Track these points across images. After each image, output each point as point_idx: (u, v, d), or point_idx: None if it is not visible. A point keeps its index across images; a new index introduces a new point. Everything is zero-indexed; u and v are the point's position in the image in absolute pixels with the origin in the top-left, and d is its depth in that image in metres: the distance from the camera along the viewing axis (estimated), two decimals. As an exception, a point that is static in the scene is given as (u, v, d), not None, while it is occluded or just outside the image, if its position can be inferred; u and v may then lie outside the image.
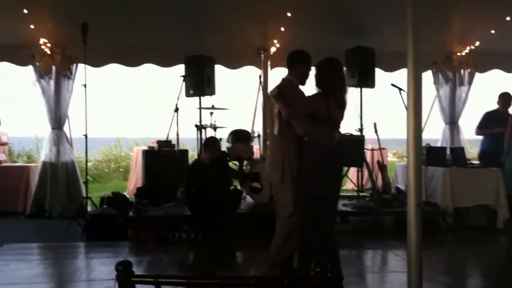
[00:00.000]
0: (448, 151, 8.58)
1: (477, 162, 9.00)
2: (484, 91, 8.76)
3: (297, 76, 4.82)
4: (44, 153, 9.02)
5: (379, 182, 8.86)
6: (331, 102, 4.47)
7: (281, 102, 4.52)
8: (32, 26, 7.97)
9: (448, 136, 10.10)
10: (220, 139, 8.45)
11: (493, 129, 8.59)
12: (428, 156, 8.03)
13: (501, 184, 7.78)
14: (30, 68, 8.80)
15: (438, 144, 9.96)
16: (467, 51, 9.70)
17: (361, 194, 8.89)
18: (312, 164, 4.48)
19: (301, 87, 4.82)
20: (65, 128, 9.07)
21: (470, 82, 10.02)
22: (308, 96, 4.67)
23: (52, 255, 6.52)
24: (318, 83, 4.61)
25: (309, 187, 4.45)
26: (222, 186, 7.05)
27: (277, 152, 4.77)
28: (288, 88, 4.67)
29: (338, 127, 4.63)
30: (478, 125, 8.87)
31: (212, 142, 7.23)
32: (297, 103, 4.55)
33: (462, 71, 9.97)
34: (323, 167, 4.45)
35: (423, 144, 7.32)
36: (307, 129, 4.52)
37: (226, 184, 7.22)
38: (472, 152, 15.41)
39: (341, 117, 4.63)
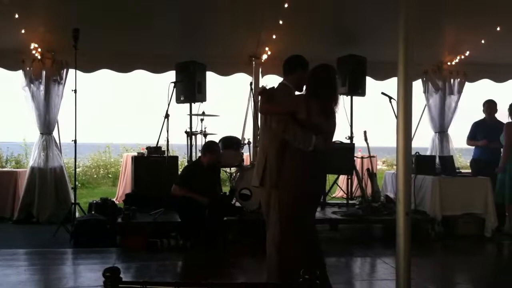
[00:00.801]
0: (437, 160, 8.62)
1: (466, 171, 9.03)
2: (474, 100, 8.83)
3: (294, 82, 4.77)
4: (33, 158, 8.95)
5: (369, 190, 8.90)
6: (313, 107, 4.40)
7: (262, 98, 4.58)
8: (23, 31, 7.94)
9: (438, 144, 10.15)
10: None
11: (479, 141, 8.66)
12: (417, 164, 8.07)
13: (489, 192, 7.82)
14: (20, 73, 8.74)
15: (428, 153, 10.01)
16: (457, 60, 9.76)
17: (350, 201, 8.90)
18: (289, 169, 4.44)
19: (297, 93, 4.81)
20: (54, 133, 9.02)
21: (459, 92, 10.09)
22: (290, 97, 4.67)
23: (39, 261, 6.45)
24: (306, 86, 4.62)
25: (287, 192, 4.42)
26: (214, 191, 7.05)
27: (261, 155, 4.78)
28: (279, 91, 4.68)
29: (323, 134, 4.47)
30: (468, 135, 8.92)
31: (214, 146, 7.26)
32: (277, 101, 4.56)
33: (452, 80, 10.04)
34: (299, 172, 4.42)
35: (413, 153, 7.36)
36: (284, 127, 4.41)
37: (217, 189, 7.24)
38: (461, 160, 15.53)
39: (326, 125, 4.52)
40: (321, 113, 4.44)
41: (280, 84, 4.82)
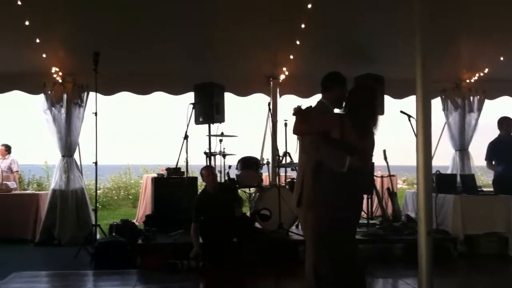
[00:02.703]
0: (458, 178, 8.53)
1: (488, 189, 8.91)
2: (494, 117, 8.73)
3: (332, 99, 4.71)
4: (54, 181, 9.05)
5: (389, 209, 8.81)
6: (348, 126, 4.31)
7: (296, 118, 4.51)
8: (44, 55, 8.08)
9: (458, 163, 10.04)
10: (229, 166, 8.50)
11: (498, 167, 8.57)
12: (438, 183, 7.99)
13: (512, 211, 7.71)
14: (41, 96, 8.90)
15: (448, 171, 9.91)
16: (476, 78, 9.70)
17: (371, 221, 8.81)
18: (323, 189, 4.36)
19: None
20: (76, 155, 9.12)
21: (479, 109, 10.00)
22: (325, 115, 4.59)
23: (60, 283, 6.49)
24: (344, 105, 4.57)
25: (320, 213, 4.35)
26: (229, 213, 7.03)
27: (298, 175, 4.76)
28: (314, 110, 4.63)
29: (358, 155, 4.35)
30: (486, 157, 8.76)
31: (202, 170, 7.33)
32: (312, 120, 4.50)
33: (471, 98, 9.96)
34: (333, 193, 4.32)
35: (433, 171, 7.29)
36: (316, 148, 4.39)
37: (235, 211, 7.20)
38: (483, 179, 15.33)
39: (361, 144, 4.38)
40: (356, 133, 4.35)
41: (317, 102, 4.77)
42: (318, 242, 4.40)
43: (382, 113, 9.02)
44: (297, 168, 4.95)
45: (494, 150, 8.68)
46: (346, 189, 4.31)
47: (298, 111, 4.54)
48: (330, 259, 4.31)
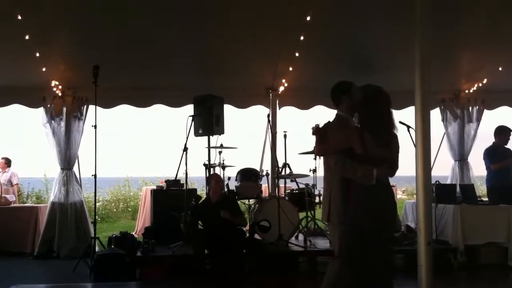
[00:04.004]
0: (458, 188, 8.52)
1: (487, 199, 8.87)
2: (493, 128, 8.72)
3: (345, 109, 4.56)
4: (53, 194, 9.04)
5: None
6: (369, 139, 4.18)
7: (316, 139, 4.41)
8: (44, 69, 8.10)
9: (458, 173, 10.03)
10: (229, 178, 8.49)
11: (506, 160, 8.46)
12: (437, 193, 7.99)
13: (512, 221, 7.70)
14: (41, 110, 8.91)
15: (448, 181, 9.90)
16: (475, 88, 9.71)
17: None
18: (354, 204, 4.23)
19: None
20: (75, 168, 9.12)
21: (478, 119, 10.01)
22: (341, 132, 4.42)
23: (60, 296, 6.48)
24: (358, 117, 4.41)
25: (351, 227, 4.21)
26: (227, 225, 7.03)
27: (325, 191, 4.67)
28: (333, 126, 4.51)
29: (386, 164, 4.22)
30: (493, 160, 8.59)
31: (209, 178, 7.33)
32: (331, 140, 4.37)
33: (470, 108, 9.97)
34: (364, 208, 4.17)
35: (433, 182, 7.28)
36: (341, 167, 4.27)
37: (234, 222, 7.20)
38: (482, 189, 15.28)
39: (388, 154, 4.25)
40: (379, 143, 4.20)
41: (336, 115, 4.63)
42: (344, 256, 4.27)
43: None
44: (323, 184, 4.79)
45: (495, 154, 8.56)
46: (377, 201, 4.17)
47: (316, 131, 4.42)
48: (352, 274, 4.17)
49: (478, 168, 9.74)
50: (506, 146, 8.57)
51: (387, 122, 4.32)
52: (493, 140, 8.65)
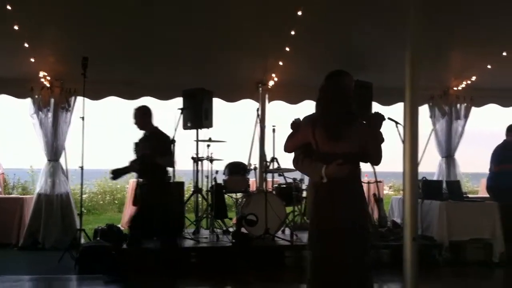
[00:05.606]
0: (444, 185, 8.57)
1: (473, 195, 8.91)
2: (480, 125, 8.81)
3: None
4: (40, 185, 8.99)
5: (375, 215, 8.84)
6: (319, 133, 3.76)
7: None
8: (32, 60, 8.03)
9: (444, 169, 10.11)
10: (217, 171, 8.49)
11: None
12: (424, 189, 8.03)
13: (497, 217, 7.74)
14: (28, 101, 8.84)
15: (435, 178, 9.96)
16: (463, 85, 9.78)
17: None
18: (310, 205, 4.06)
19: None
20: (61, 160, 9.06)
21: (466, 116, 10.08)
22: (301, 128, 4.02)
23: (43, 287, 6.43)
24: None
25: (309, 229, 3.97)
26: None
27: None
28: (304, 119, 4.09)
29: (337, 160, 3.66)
30: (496, 162, 8.63)
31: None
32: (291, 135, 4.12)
33: (458, 105, 10.04)
34: (314, 208, 3.88)
35: (419, 178, 7.32)
36: (296, 165, 4.06)
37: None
38: (468, 185, 15.44)
39: (339, 148, 3.70)
40: (328, 137, 3.72)
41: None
42: (309, 259, 4.01)
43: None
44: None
45: (503, 153, 8.59)
46: (327, 201, 3.75)
47: (291, 125, 4.10)
48: (313, 278, 3.90)
49: (464, 165, 9.82)
50: None
51: (341, 110, 3.76)
52: (482, 138, 8.71)
